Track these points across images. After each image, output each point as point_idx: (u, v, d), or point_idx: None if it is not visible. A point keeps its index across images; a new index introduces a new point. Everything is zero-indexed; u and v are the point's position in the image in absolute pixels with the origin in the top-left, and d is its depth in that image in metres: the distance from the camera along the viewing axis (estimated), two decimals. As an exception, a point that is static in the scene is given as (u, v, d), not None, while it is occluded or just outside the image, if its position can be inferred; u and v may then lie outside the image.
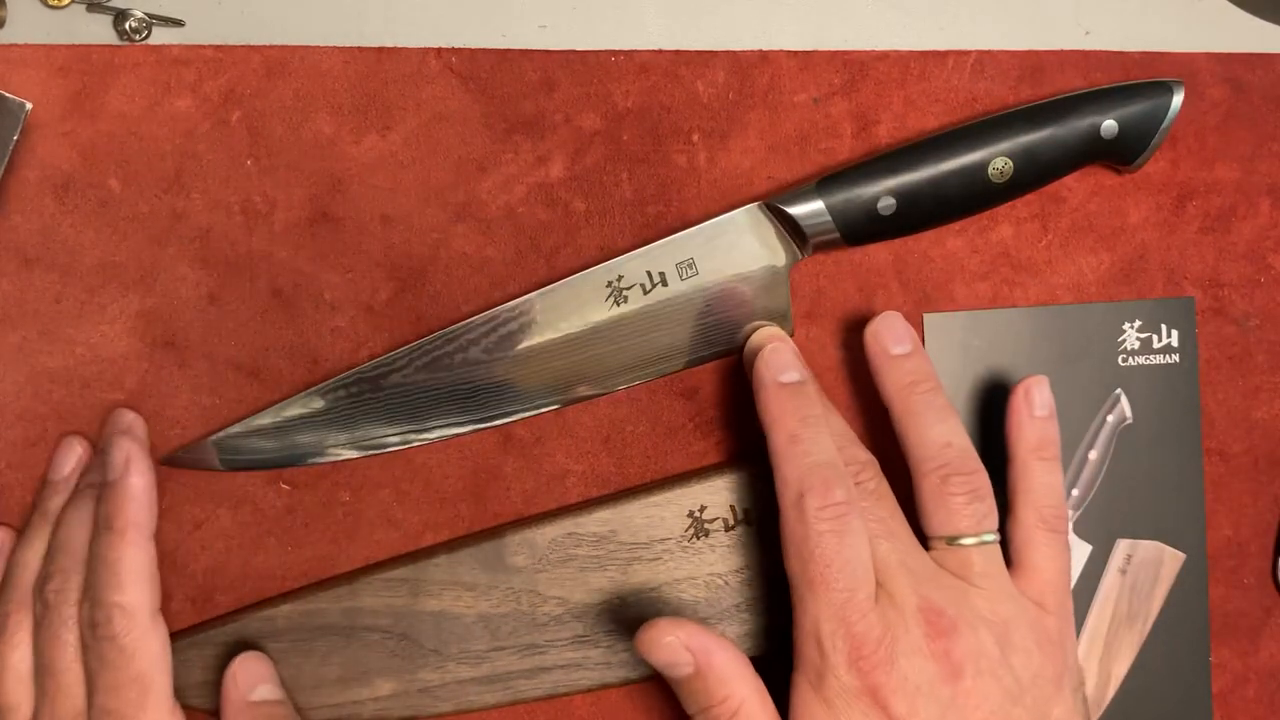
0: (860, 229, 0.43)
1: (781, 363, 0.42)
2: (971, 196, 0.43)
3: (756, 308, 0.44)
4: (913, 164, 0.43)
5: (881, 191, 0.43)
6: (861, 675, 0.37)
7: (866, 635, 0.37)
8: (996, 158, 0.43)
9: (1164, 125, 0.44)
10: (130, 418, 0.43)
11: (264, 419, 0.43)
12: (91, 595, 0.39)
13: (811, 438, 0.40)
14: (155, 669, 0.39)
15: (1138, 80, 0.45)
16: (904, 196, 0.43)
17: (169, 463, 0.43)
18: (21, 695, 0.39)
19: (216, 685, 0.42)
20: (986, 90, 0.47)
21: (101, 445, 0.43)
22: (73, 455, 0.43)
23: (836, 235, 0.43)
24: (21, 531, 0.42)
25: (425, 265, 0.45)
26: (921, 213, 0.43)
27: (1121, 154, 0.44)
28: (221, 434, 0.43)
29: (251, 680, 0.42)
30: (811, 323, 0.46)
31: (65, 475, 0.42)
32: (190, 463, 0.43)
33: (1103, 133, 0.43)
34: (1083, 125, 0.43)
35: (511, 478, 0.45)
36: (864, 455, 0.41)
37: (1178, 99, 0.44)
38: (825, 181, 0.43)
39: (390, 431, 0.43)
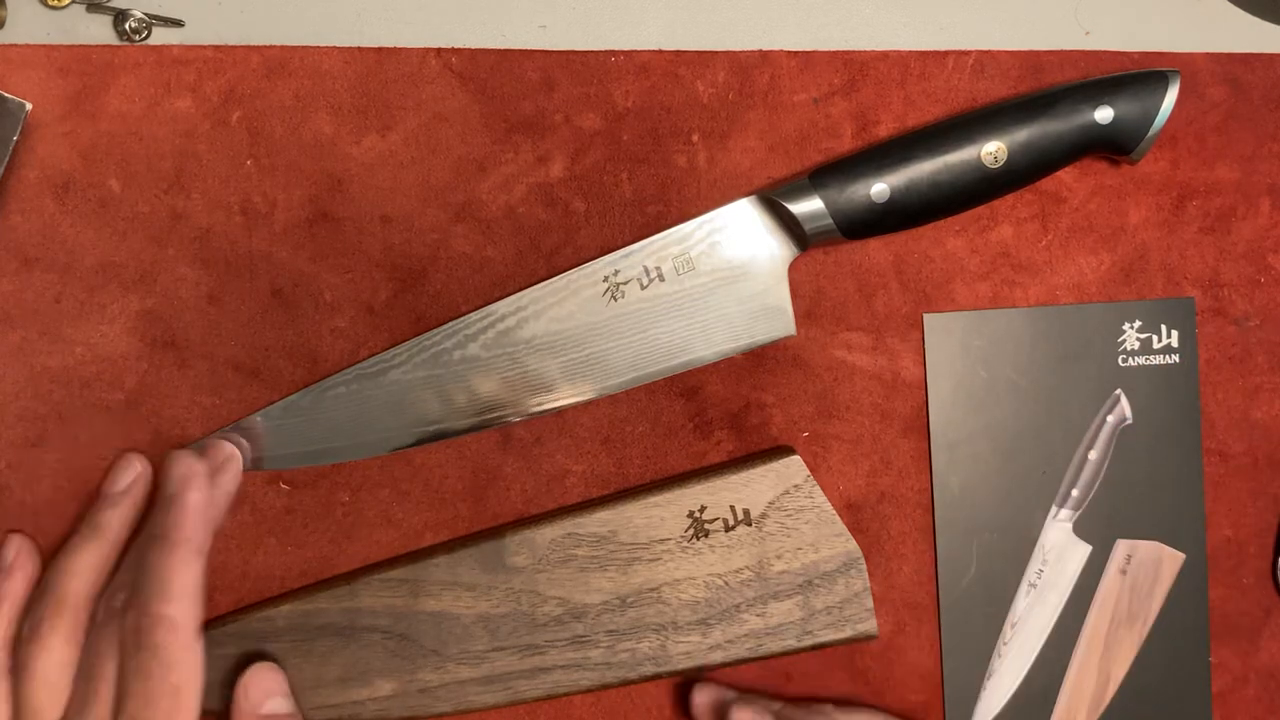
0: (856, 220, 0.43)
1: None
2: (967, 184, 0.43)
3: (756, 305, 0.44)
4: (906, 151, 0.43)
5: (875, 179, 0.43)
6: None
7: None
8: (989, 142, 0.43)
9: (1161, 114, 0.44)
10: (229, 449, 0.43)
11: (260, 419, 0.44)
12: (138, 604, 0.38)
13: None
14: (190, 686, 0.38)
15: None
16: (898, 184, 0.43)
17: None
18: (46, 700, 0.39)
19: (217, 685, 0.42)
20: (986, 90, 0.47)
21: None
22: (131, 471, 0.42)
23: (832, 226, 0.43)
24: (65, 540, 0.42)
25: (425, 265, 0.45)
26: (917, 202, 0.43)
27: (1120, 143, 0.44)
28: (211, 434, 0.44)
29: (263, 693, 0.41)
30: (811, 322, 0.46)
31: (121, 489, 0.42)
32: None
33: (1098, 120, 0.43)
34: (1078, 112, 0.43)
35: (511, 478, 0.45)
36: None
37: (1174, 87, 0.44)
38: (819, 172, 0.43)
39: (390, 430, 0.43)
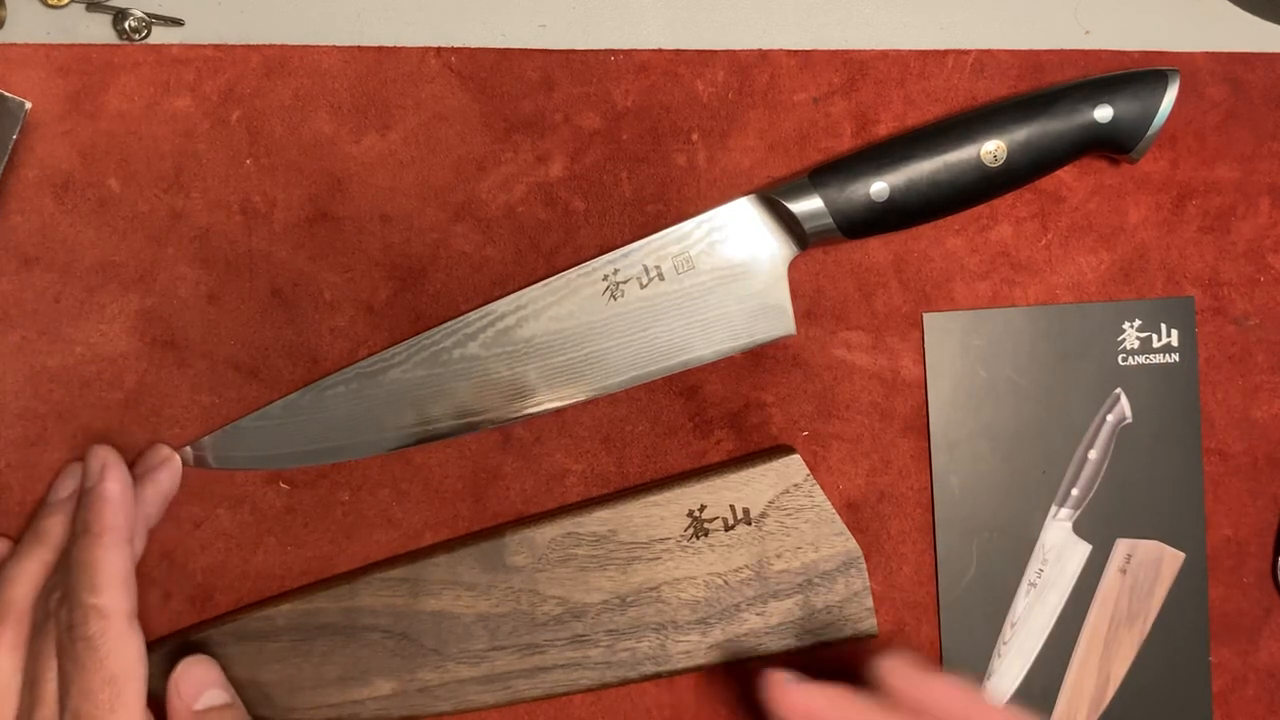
0: (856, 218, 0.43)
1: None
2: (967, 183, 0.43)
3: (755, 304, 0.44)
4: (906, 150, 0.43)
5: (875, 178, 0.43)
6: None
7: None
8: (989, 141, 0.43)
9: (1161, 112, 0.44)
10: (166, 451, 0.43)
11: (258, 419, 0.44)
12: (68, 598, 0.38)
13: None
14: (129, 674, 0.38)
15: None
16: (898, 183, 0.43)
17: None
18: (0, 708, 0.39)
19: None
20: (986, 89, 0.47)
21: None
22: (75, 479, 0.43)
23: (832, 225, 0.43)
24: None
25: (425, 265, 0.45)
26: (917, 201, 0.43)
27: (1119, 142, 0.44)
28: (213, 434, 0.43)
29: (196, 688, 0.40)
30: (811, 322, 0.46)
31: (63, 498, 0.42)
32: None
33: (1098, 119, 0.43)
34: (1077, 111, 0.43)
35: (511, 478, 0.45)
36: None
37: (1173, 86, 0.44)
38: (819, 171, 0.43)
39: (390, 429, 0.43)
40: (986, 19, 0.48)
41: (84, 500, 0.40)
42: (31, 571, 0.40)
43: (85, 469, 0.41)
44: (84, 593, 0.38)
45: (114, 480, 0.40)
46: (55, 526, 0.41)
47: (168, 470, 0.43)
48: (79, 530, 0.39)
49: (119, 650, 0.38)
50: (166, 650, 0.43)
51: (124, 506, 0.40)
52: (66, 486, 0.42)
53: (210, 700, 0.41)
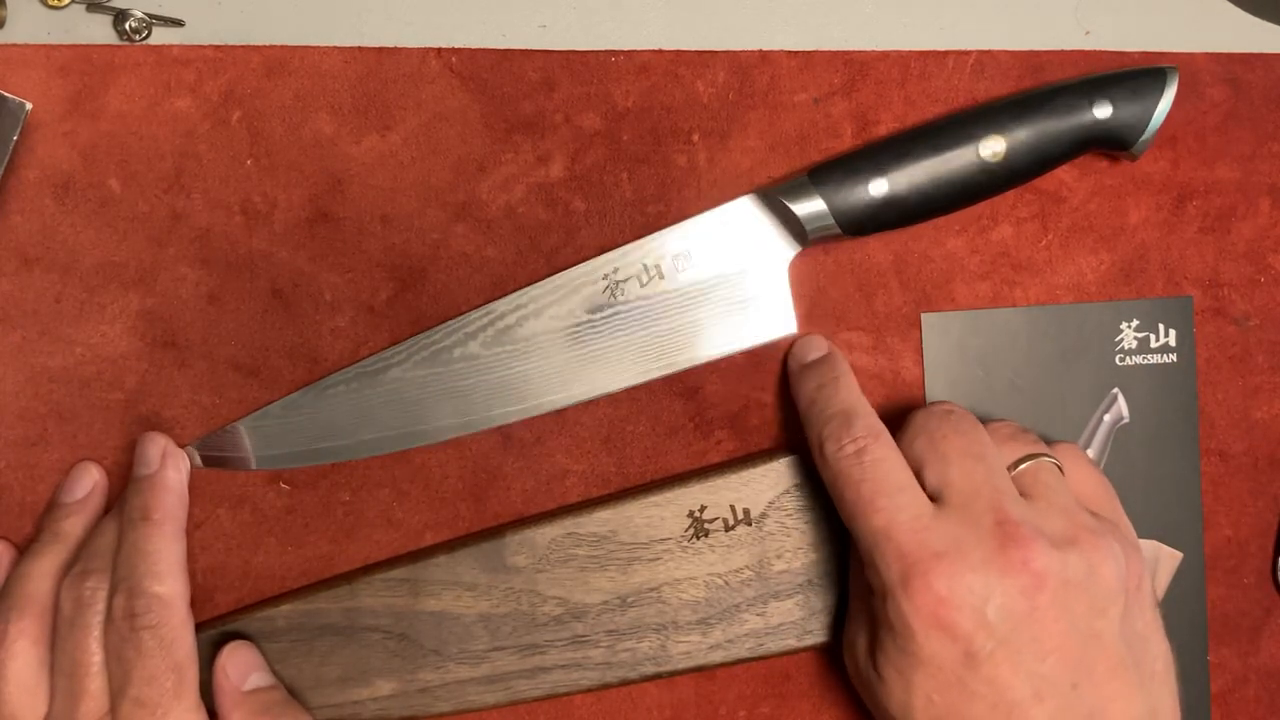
0: (856, 217, 0.43)
1: (804, 349, 0.45)
2: (967, 181, 0.43)
3: (756, 303, 0.44)
4: (906, 148, 0.43)
5: (876, 177, 0.43)
6: (915, 593, 0.37)
7: (919, 551, 0.37)
8: (989, 139, 0.43)
9: (1160, 109, 0.44)
10: (163, 438, 0.43)
11: (258, 419, 0.44)
12: (128, 586, 0.39)
13: (827, 396, 0.42)
14: (191, 662, 0.39)
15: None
16: (898, 181, 0.43)
17: None
18: (22, 703, 0.39)
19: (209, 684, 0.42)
20: (987, 90, 0.47)
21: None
22: (89, 479, 0.43)
23: (832, 223, 0.43)
24: (24, 550, 0.42)
25: (425, 265, 0.45)
26: (917, 199, 0.43)
27: (1120, 139, 0.44)
28: (213, 434, 0.43)
29: (243, 670, 0.42)
30: (812, 322, 0.46)
31: (79, 499, 0.42)
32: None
33: (1098, 115, 0.43)
34: (1077, 108, 0.43)
35: (511, 478, 0.45)
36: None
37: (1172, 83, 0.44)
38: (819, 170, 0.43)
39: (390, 429, 0.43)
40: (986, 19, 0.48)
41: (140, 486, 0.41)
42: (51, 568, 0.41)
43: (142, 455, 0.42)
44: (147, 581, 0.39)
45: (174, 469, 0.41)
46: (75, 528, 0.42)
47: (179, 469, 0.43)
48: (136, 517, 0.40)
49: (182, 639, 0.39)
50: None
51: (183, 496, 0.41)
52: (83, 487, 0.43)
53: (257, 682, 0.42)
